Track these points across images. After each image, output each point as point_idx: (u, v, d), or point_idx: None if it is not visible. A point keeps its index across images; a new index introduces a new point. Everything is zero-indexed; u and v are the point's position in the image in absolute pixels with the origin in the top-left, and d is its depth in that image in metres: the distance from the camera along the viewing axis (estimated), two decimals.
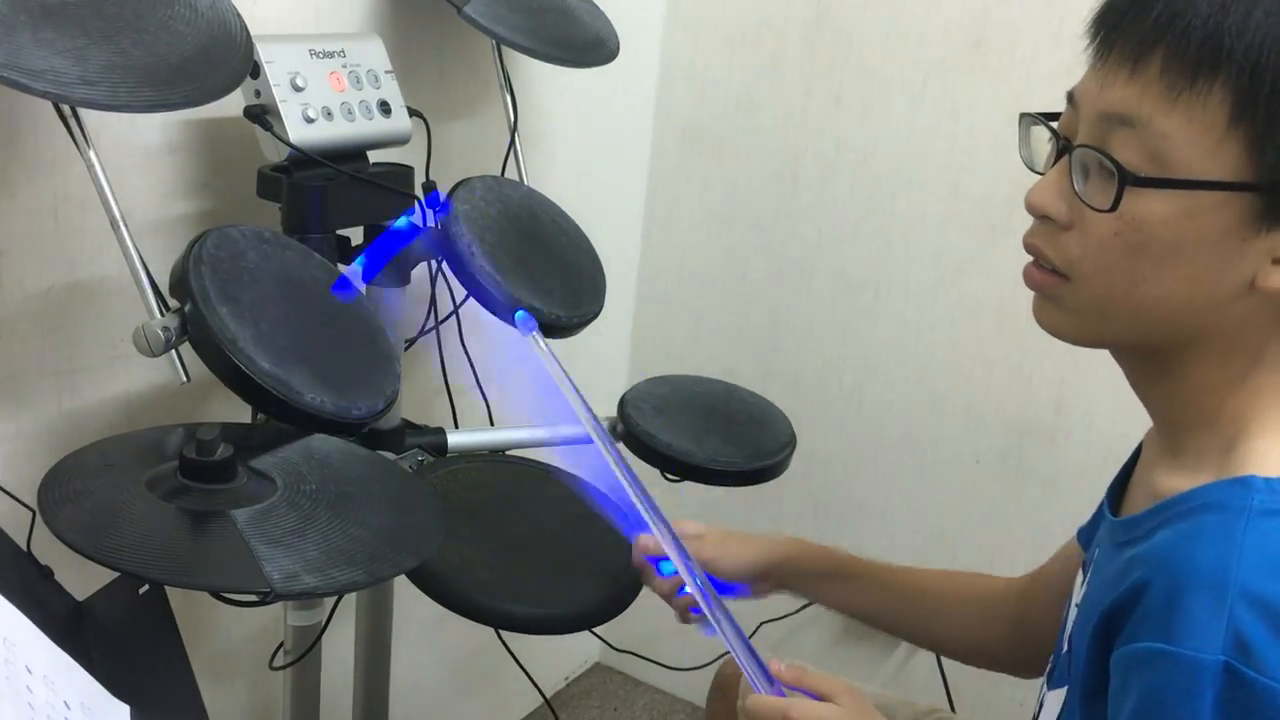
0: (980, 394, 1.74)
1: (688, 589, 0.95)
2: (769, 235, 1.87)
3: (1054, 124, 0.79)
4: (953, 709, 1.72)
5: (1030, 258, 0.80)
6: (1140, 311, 0.75)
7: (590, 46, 1.41)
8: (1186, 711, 0.66)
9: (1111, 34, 0.73)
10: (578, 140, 1.77)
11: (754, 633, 1.95)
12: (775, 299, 1.88)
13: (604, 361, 1.98)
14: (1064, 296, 0.77)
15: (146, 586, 0.84)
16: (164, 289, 1.00)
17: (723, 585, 1.10)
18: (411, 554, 0.87)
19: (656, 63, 1.90)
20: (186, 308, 0.96)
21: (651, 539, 1.04)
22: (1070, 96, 0.78)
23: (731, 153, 1.87)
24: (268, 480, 0.89)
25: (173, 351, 0.98)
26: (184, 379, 0.98)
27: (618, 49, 1.44)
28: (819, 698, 0.86)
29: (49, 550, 0.85)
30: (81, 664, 0.72)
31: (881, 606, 1.14)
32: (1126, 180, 0.71)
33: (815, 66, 1.76)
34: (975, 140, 1.64)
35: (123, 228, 0.96)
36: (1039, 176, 0.79)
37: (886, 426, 1.83)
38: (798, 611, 1.91)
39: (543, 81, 1.65)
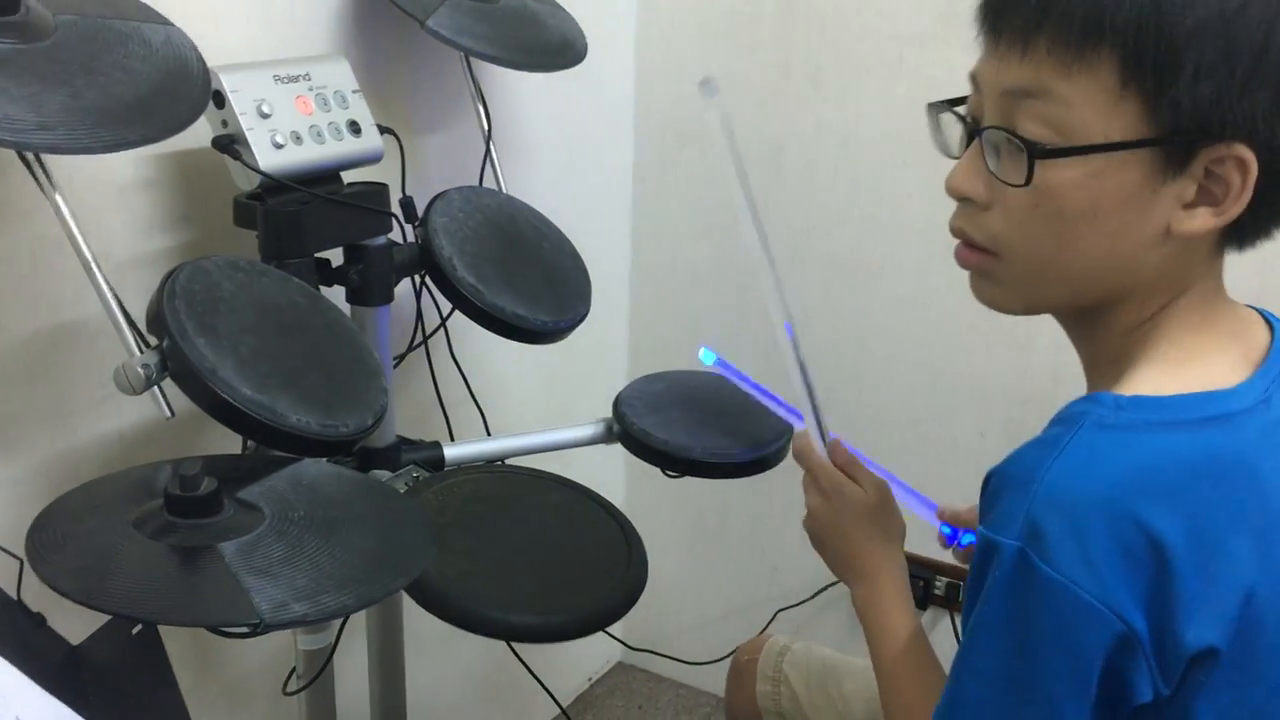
0: (980, 367, 1.73)
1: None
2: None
3: (961, 109, 0.82)
4: None
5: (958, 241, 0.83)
6: (1069, 274, 0.78)
7: (558, 50, 1.41)
8: (986, 586, 0.73)
9: (997, 22, 0.76)
10: (559, 143, 1.77)
11: (771, 620, 1.95)
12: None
13: (603, 361, 1.98)
14: (995, 272, 0.81)
15: (140, 627, 0.84)
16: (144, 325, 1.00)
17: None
18: (401, 574, 0.87)
19: (633, 58, 1.89)
20: (164, 343, 0.96)
21: (947, 510, 1.16)
22: (972, 79, 0.80)
23: (714, 142, 1.86)
24: (255, 510, 0.89)
25: (155, 388, 0.98)
26: (168, 414, 0.98)
27: (585, 51, 1.44)
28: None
29: (42, 596, 0.85)
30: (79, 709, 0.72)
31: None
32: (1035, 154, 0.74)
33: (790, 49, 1.75)
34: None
35: (95, 268, 0.96)
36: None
37: (888, 406, 1.82)
38: (813, 598, 1.91)
39: (518, 88, 1.65)
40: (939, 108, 0.84)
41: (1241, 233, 0.77)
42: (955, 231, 0.82)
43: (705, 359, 1.28)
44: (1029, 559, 0.70)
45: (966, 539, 1.14)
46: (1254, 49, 0.70)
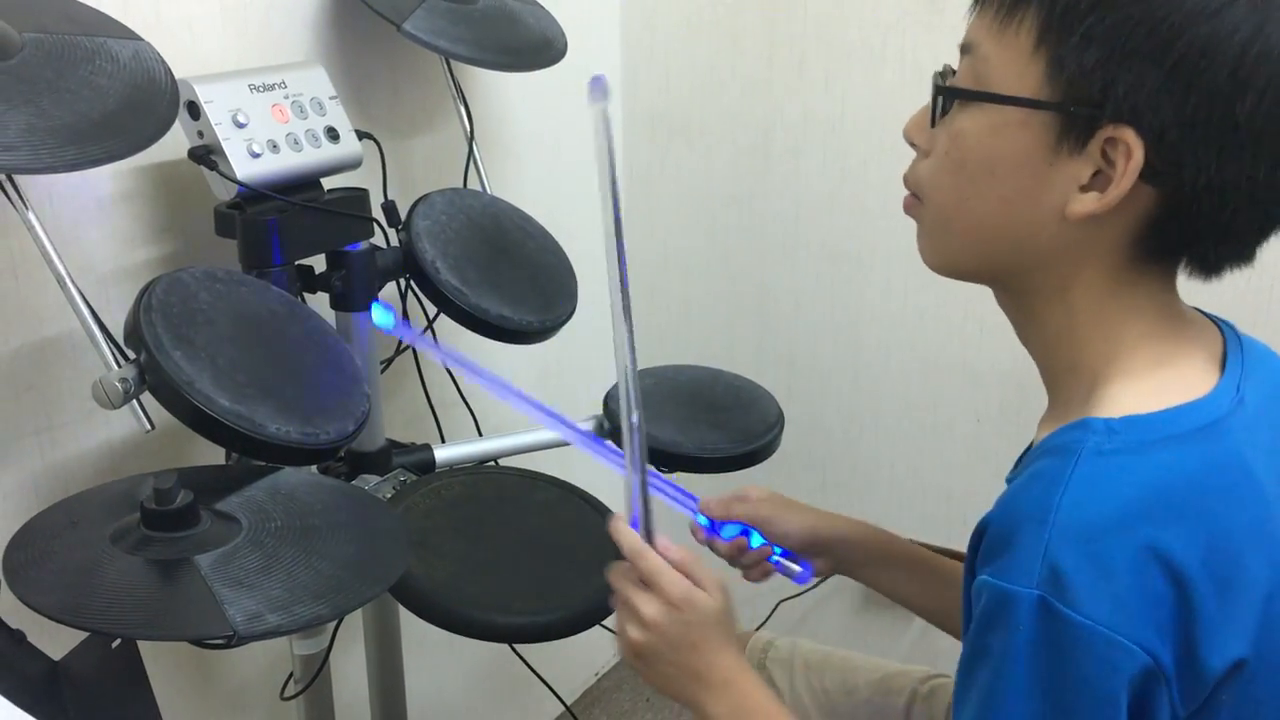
0: (973, 351, 1.72)
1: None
2: (747, 213, 1.86)
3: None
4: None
5: None
6: (968, 229, 0.79)
7: (537, 49, 1.41)
8: (1007, 640, 0.68)
9: None
10: (545, 141, 1.76)
11: (772, 613, 1.95)
12: (760, 276, 1.88)
13: (597, 358, 1.98)
14: (920, 218, 0.83)
15: (118, 641, 0.85)
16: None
17: (794, 565, 1.09)
18: (377, 582, 0.87)
19: (618, 52, 1.89)
20: (141, 357, 0.96)
21: (712, 501, 1.09)
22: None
23: (701, 133, 1.86)
24: (232, 521, 0.90)
25: (135, 401, 0.98)
26: (147, 428, 0.99)
27: (566, 49, 1.44)
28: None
29: (24, 610, 0.86)
30: None
31: (946, 601, 1.09)
32: (941, 88, 0.77)
33: (775, 39, 1.75)
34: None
35: (69, 283, 0.97)
36: None
37: (884, 393, 1.82)
38: (813, 587, 1.91)
39: (501, 87, 1.65)
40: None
41: (1158, 245, 0.75)
42: (905, 180, 0.85)
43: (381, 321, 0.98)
44: (1051, 607, 0.67)
45: (727, 531, 1.09)
46: (1147, 23, 0.68)
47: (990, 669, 0.70)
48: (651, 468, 0.95)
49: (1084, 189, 0.73)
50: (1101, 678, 0.67)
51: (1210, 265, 0.77)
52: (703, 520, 1.09)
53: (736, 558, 1.10)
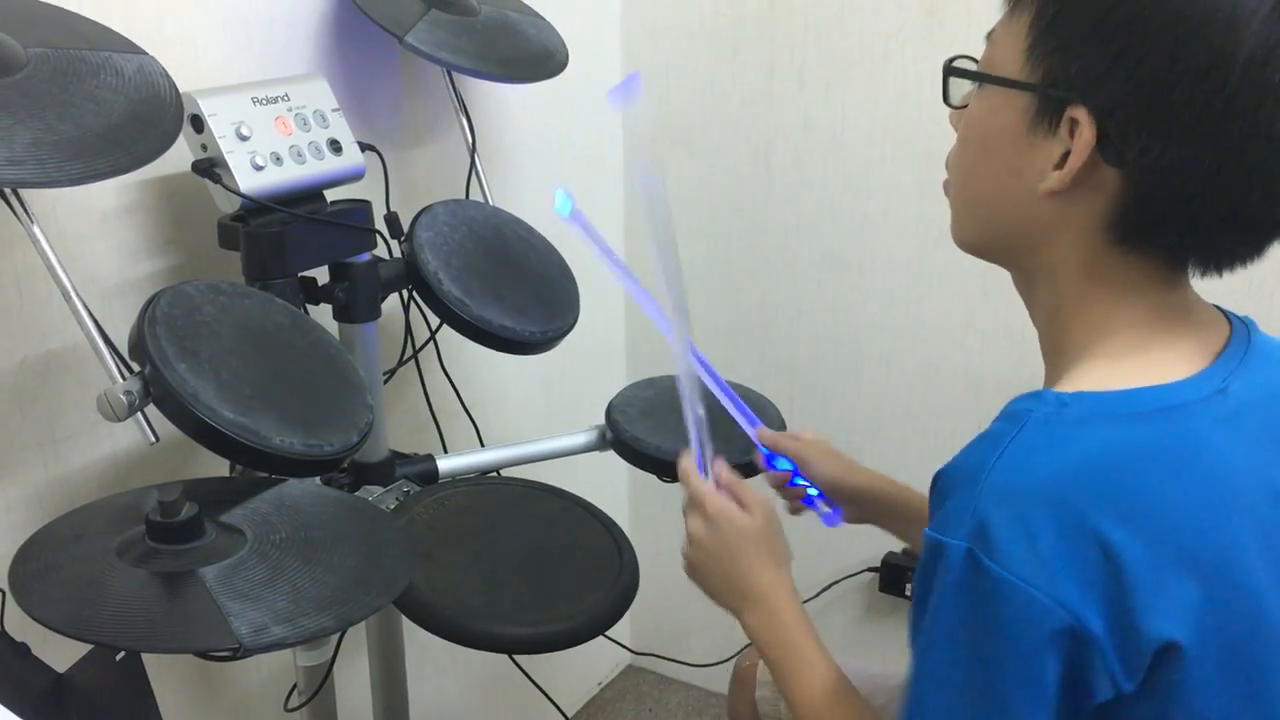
0: (975, 360, 1.72)
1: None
2: (749, 223, 1.86)
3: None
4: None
5: None
6: (972, 204, 0.84)
7: (538, 60, 1.41)
8: (935, 589, 0.73)
9: None
10: (547, 151, 1.77)
11: None
12: (762, 286, 1.88)
13: (601, 368, 1.99)
14: (948, 193, 0.87)
15: (123, 653, 0.85)
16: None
17: (825, 507, 1.21)
18: (381, 593, 0.88)
19: (619, 63, 1.89)
20: (146, 369, 0.97)
21: (767, 432, 1.23)
22: None
23: (703, 144, 1.87)
24: (237, 534, 0.90)
25: (139, 414, 0.99)
26: (152, 440, 0.99)
27: (567, 60, 1.44)
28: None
29: (30, 622, 0.86)
30: None
31: None
32: (946, 67, 0.82)
33: (775, 49, 1.75)
34: (941, 107, 1.62)
35: (74, 296, 0.97)
36: None
37: (885, 402, 1.82)
38: (817, 596, 1.91)
39: (503, 98, 1.65)
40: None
41: (1128, 229, 0.76)
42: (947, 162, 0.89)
43: (562, 209, 1.19)
44: (977, 559, 0.70)
45: (780, 464, 1.22)
46: (1104, 7, 0.72)
47: (927, 615, 0.74)
48: (728, 386, 1.13)
49: (1056, 168, 0.76)
50: (1019, 631, 0.69)
51: (1208, 257, 0.77)
52: (764, 450, 1.22)
53: (777, 488, 1.23)
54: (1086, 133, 0.73)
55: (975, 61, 0.82)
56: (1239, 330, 0.82)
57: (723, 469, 1.04)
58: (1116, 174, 0.74)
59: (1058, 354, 0.82)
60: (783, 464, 1.22)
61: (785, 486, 1.23)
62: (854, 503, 1.20)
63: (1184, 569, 0.70)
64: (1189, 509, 0.71)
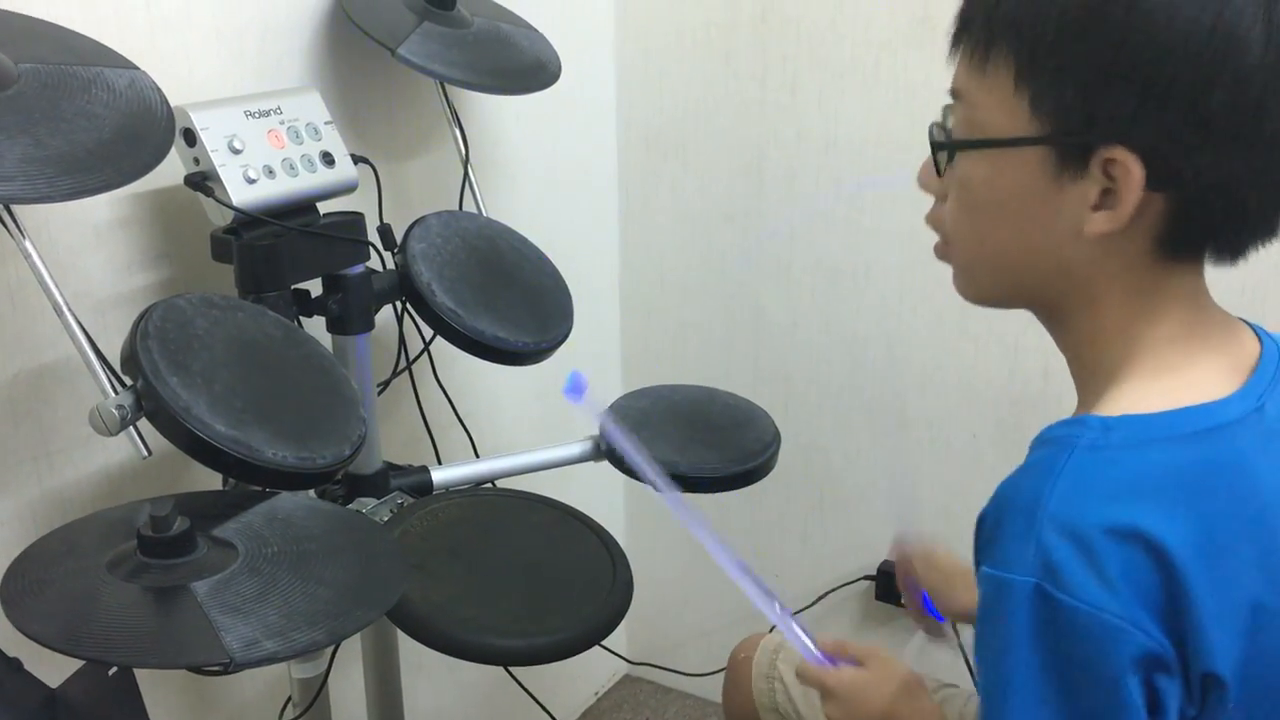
0: (969, 368, 1.73)
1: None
2: (743, 232, 1.86)
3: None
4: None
5: None
6: (995, 265, 0.82)
7: (530, 72, 1.41)
8: (1007, 629, 0.71)
9: (950, 33, 0.80)
10: (541, 163, 1.77)
11: (774, 627, 1.94)
12: (756, 295, 1.88)
13: (597, 377, 1.98)
14: (951, 259, 0.85)
15: (115, 668, 0.85)
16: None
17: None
18: (373, 606, 0.88)
19: (612, 74, 1.90)
20: (138, 383, 0.97)
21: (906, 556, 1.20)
22: None
23: (696, 154, 1.87)
24: (229, 548, 0.90)
25: (132, 427, 0.99)
26: (144, 454, 0.99)
27: (559, 71, 1.45)
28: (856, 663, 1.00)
29: (21, 639, 0.86)
30: None
31: None
32: (936, 144, 0.80)
33: (767, 59, 1.76)
34: (933, 116, 1.62)
35: (65, 310, 0.97)
36: None
37: (881, 411, 1.82)
38: (814, 604, 1.91)
39: (497, 109, 1.65)
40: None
41: (1180, 244, 0.76)
42: (928, 222, 0.87)
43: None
44: (1047, 593, 0.68)
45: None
46: (1112, 46, 0.70)
47: (998, 656, 0.72)
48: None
49: (1095, 208, 0.74)
50: (1102, 659, 0.68)
51: (1236, 249, 0.77)
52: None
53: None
54: (1135, 170, 0.71)
55: (943, 129, 0.80)
56: (1269, 347, 0.81)
57: (826, 643, 1.03)
58: (1162, 195, 0.73)
59: (1091, 375, 0.81)
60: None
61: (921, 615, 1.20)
62: None
63: (1233, 587, 0.70)
64: (1239, 531, 0.71)
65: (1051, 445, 0.74)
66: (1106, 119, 0.71)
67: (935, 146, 0.80)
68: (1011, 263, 0.80)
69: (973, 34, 0.76)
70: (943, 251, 0.85)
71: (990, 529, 0.74)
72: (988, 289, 0.84)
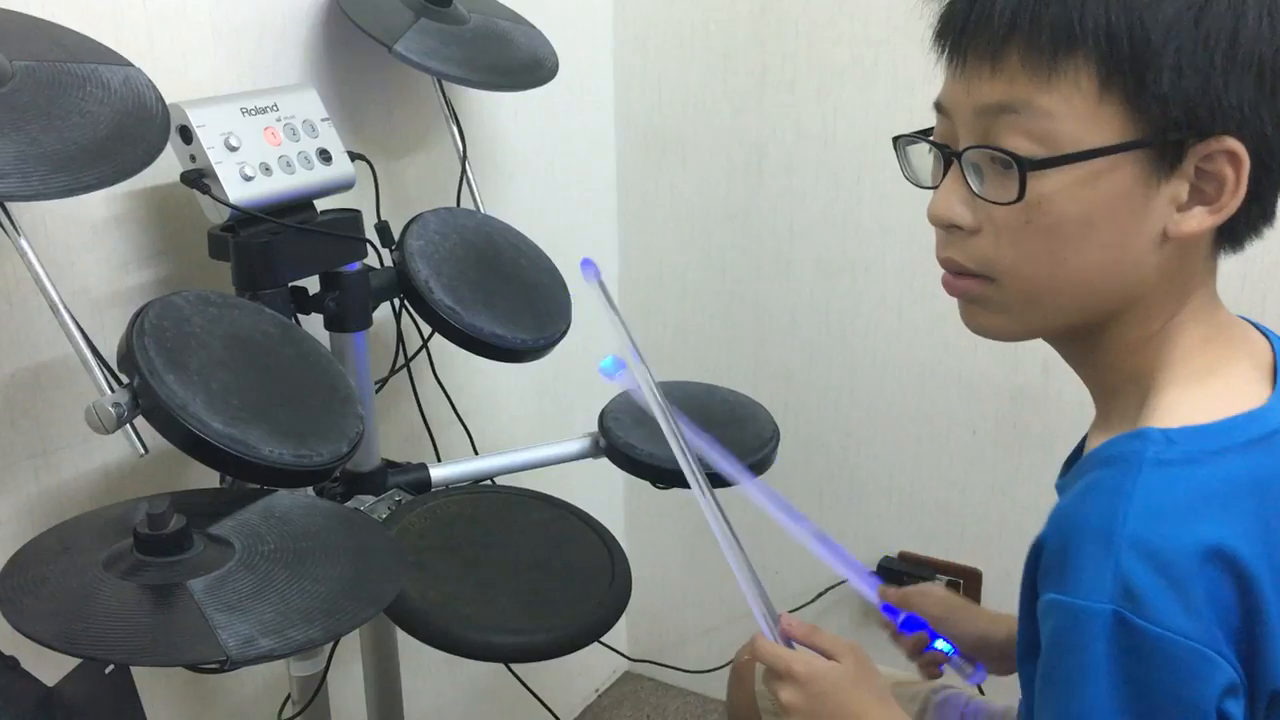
0: (968, 364, 1.72)
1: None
2: (742, 230, 1.86)
3: (931, 138, 0.79)
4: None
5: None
6: (1069, 289, 0.75)
7: (527, 69, 1.41)
8: (1083, 659, 0.67)
9: (960, 40, 0.75)
10: (537, 160, 1.77)
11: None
12: (756, 292, 1.88)
13: (592, 375, 1.98)
14: (991, 297, 0.77)
15: (111, 666, 0.85)
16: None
17: (968, 666, 1.10)
18: (370, 604, 0.87)
19: (611, 71, 1.89)
20: (134, 381, 0.97)
21: (891, 590, 1.13)
22: (939, 106, 0.78)
23: (695, 151, 1.87)
24: (226, 545, 0.90)
25: (129, 426, 0.99)
26: (141, 452, 0.99)
27: (556, 68, 1.44)
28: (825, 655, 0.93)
29: (18, 637, 0.86)
30: None
31: None
32: (1024, 166, 0.72)
33: (766, 56, 1.75)
34: (932, 112, 1.62)
35: (61, 309, 0.97)
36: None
37: (880, 407, 1.82)
38: (813, 601, 1.91)
39: (495, 106, 1.65)
40: (906, 140, 0.82)
41: (1234, 231, 0.75)
42: (944, 262, 0.79)
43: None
44: (1128, 621, 0.66)
45: (906, 624, 1.11)
46: (1228, 36, 0.68)
47: (1069, 688, 0.69)
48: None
49: (1182, 208, 0.72)
50: (1190, 689, 0.66)
51: (1241, 239, 0.77)
52: (888, 610, 1.12)
53: (914, 654, 1.12)
54: (1246, 161, 0.70)
55: (1000, 151, 0.72)
56: (1279, 346, 0.81)
57: (791, 624, 0.95)
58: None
59: (1128, 383, 0.78)
60: (909, 624, 1.11)
61: (923, 651, 1.11)
62: (1005, 657, 1.06)
63: None
64: None
65: (1115, 464, 0.71)
66: (1227, 110, 0.69)
67: (1025, 167, 0.71)
68: (1089, 284, 0.75)
69: (1029, 39, 0.71)
70: (979, 291, 0.78)
71: (1055, 555, 0.70)
72: (1050, 320, 0.78)
